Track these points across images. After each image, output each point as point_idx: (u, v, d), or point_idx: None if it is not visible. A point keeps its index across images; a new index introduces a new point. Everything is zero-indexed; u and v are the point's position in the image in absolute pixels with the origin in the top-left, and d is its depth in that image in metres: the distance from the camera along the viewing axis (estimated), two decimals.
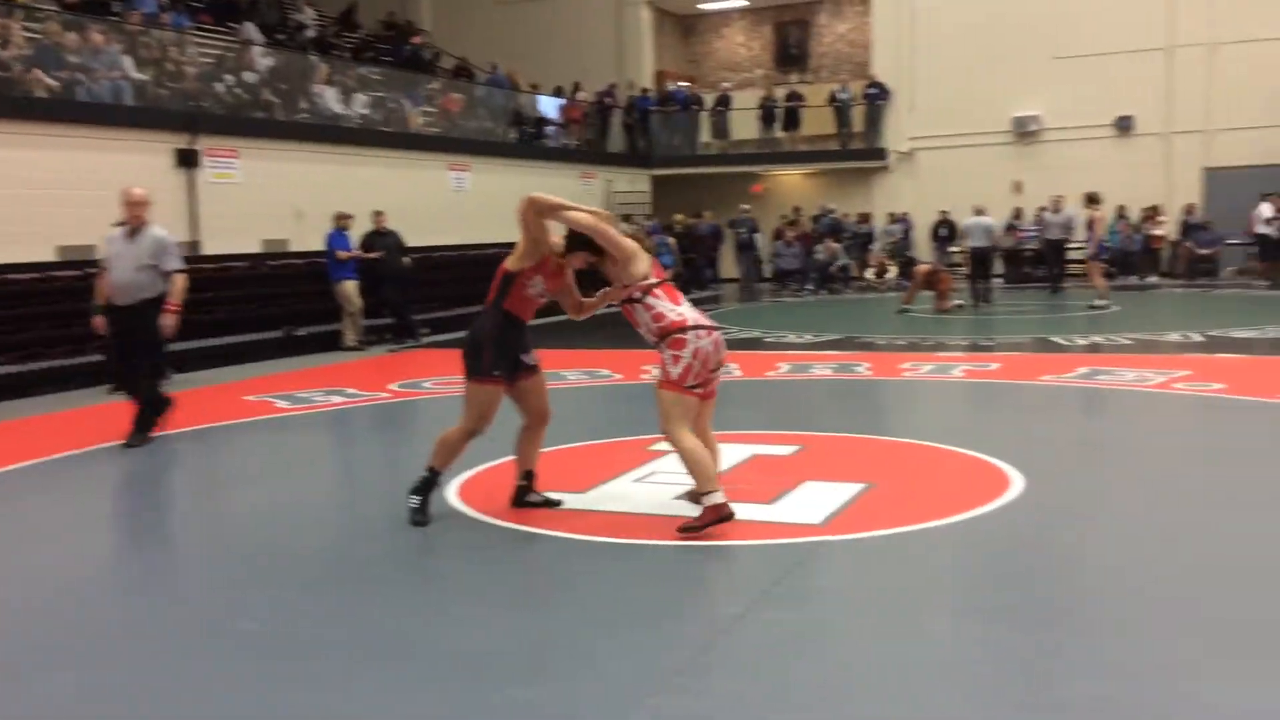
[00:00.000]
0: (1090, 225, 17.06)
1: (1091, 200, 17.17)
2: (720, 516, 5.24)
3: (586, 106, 24.55)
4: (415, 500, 5.69)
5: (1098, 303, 16.51)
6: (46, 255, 12.58)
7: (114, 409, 9.89)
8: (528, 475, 5.93)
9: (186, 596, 4.92)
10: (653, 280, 5.41)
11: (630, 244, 5.46)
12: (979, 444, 7.20)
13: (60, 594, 4.95)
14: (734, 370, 11.13)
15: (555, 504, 5.93)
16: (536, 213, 5.50)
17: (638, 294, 5.38)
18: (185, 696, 3.76)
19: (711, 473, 5.30)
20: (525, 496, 5.93)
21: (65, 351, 11.69)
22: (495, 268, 5.68)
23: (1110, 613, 4.35)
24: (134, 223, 8.06)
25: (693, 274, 23.38)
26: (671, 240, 22.79)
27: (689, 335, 5.28)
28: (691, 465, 5.30)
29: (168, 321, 8.01)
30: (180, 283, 8.10)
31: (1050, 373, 10.33)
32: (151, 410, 8.18)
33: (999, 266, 21.97)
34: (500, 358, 5.57)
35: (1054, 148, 23.78)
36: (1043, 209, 21.19)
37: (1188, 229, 22.37)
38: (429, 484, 5.73)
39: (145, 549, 5.67)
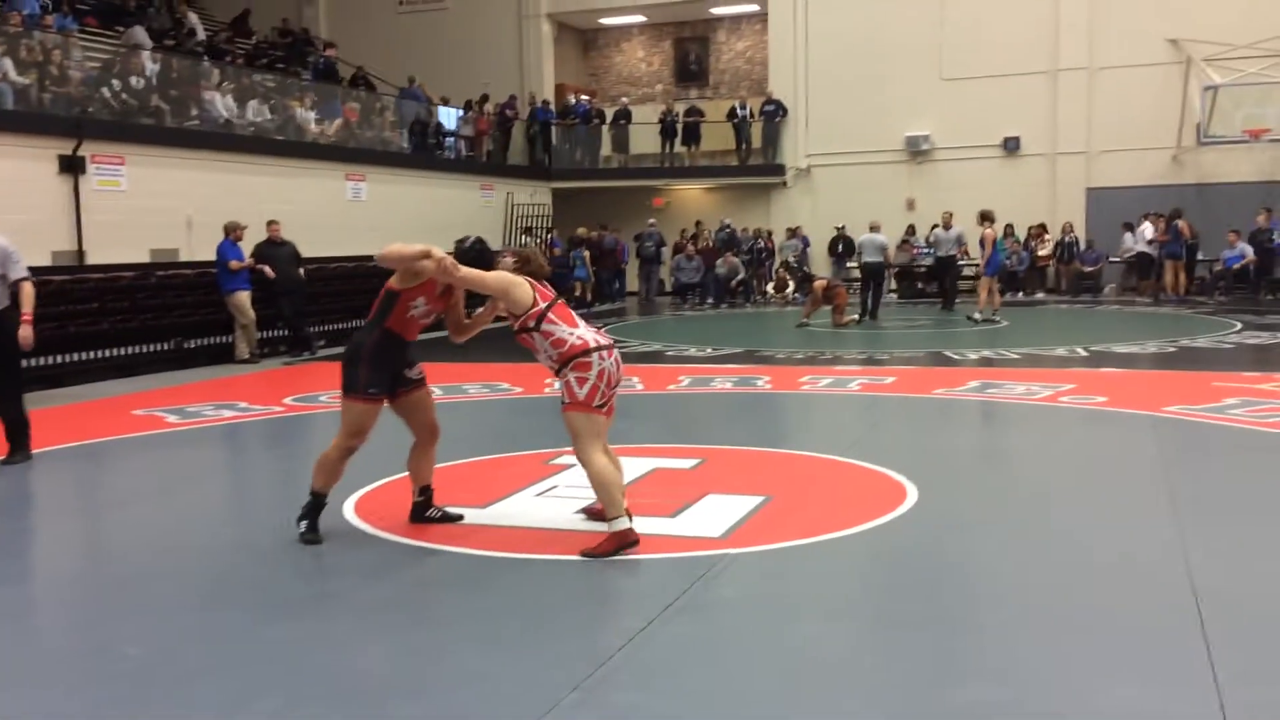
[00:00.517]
0: (983, 242, 17.54)
1: (985, 218, 17.65)
2: (624, 544, 5.20)
3: (493, 119, 24.46)
4: (304, 525, 5.58)
5: (976, 316, 17.04)
6: None
7: None
8: (424, 490, 5.86)
9: (66, 621, 4.73)
10: (542, 306, 5.29)
11: (499, 277, 5.35)
12: (876, 457, 7.33)
13: None
14: (635, 384, 11.17)
15: (455, 519, 5.86)
16: (390, 266, 5.43)
17: (530, 323, 5.28)
18: None
19: (619, 498, 5.24)
20: (424, 512, 5.85)
21: None
22: (392, 278, 5.57)
23: (1001, 618, 4.46)
24: None
25: (598, 287, 23.46)
26: (586, 254, 22.83)
27: (593, 357, 5.23)
28: (600, 488, 5.24)
29: (25, 334, 7.63)
30: (30, 290, 7.71)
31: (944, 386, 10.58)
32: (23, 425, 7.83)
33: (892, 282, 22.54)
34: (377, 375, 5.50)
35: (945, 166, 24.44)
36: (935, 226, 21.69)
37: (1063, 248, 23.17)
38: (315, 508, 5.61)
39: (21, 572, 5.44)
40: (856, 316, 17.70)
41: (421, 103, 22.50)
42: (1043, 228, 23.47)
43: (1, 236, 7.73)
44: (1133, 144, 23.00)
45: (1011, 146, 24.16)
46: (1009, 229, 22.93)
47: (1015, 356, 12.85)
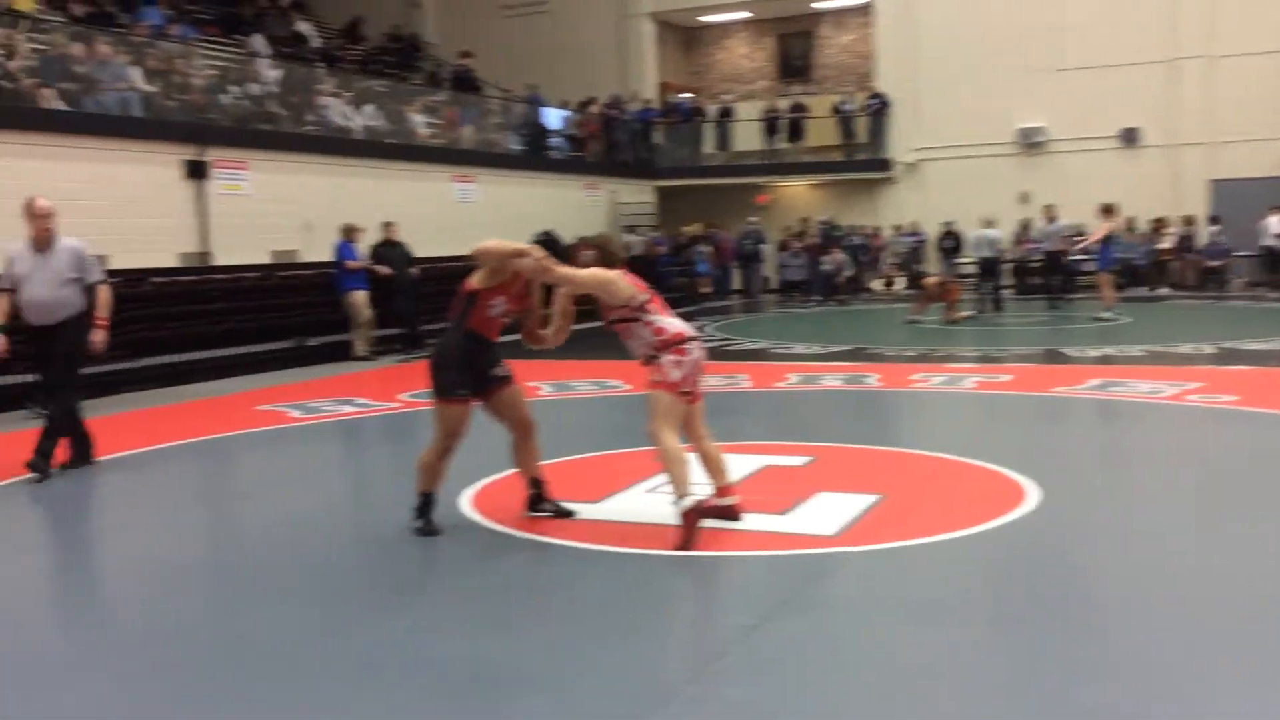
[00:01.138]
0: (1103, 237, 16.96)
1: (1107, 211, 17.06)
2: (698, 518, 5.27)
3: (598, 119, 24.67)
4: (419, 523, 5.71)
5: (1103, 314, 16.50)
6: None
7: (119, 420, 9.91)
8: (535, 483, 5.95)
9: (199, 609, 4.91)
10: (643, 297, 5.45)
11: (593, 274, 5.46)
12: (992, 455, 7.18)
13: (65, 604, 4.95)
14: (742, 381, 11.14)
15: (568, 514, 5.92)
16: (486, 262, 5.53)
17: (631, 314, 5.44)
18: (203, 711, 3.76)
19: (687, 476, 5.32)
20: (539, 504, 5.93)
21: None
22: None
23: (1124, 623, 4.34)
24: (43, 236, 7.47)
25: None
26: (707, 250, 23.20)
27: (689, 345, 5.40)
28: (671, 465, 5.34)
29: (98, 337, 7.48)
30: (106, 295, 7.58)
31: (1063, 384, 10.31)
32: (75, 429, 7.59)
33: (1007, 277, 21.90)
34: (463, 377, 5.59)
35: (1059, 159, 23.77)
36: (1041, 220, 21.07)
37: (1183, 241, 22.34)
38: (425, 507, 5.73)
39: (153, 562, 5.66)
40: (969, 313, 17.35)
41: (543, 107, 22.89)
42: (1162, 221, 22.68)
43: (75, 240, 7.62)
44: (1257, 134, 22.06)
45: (1129, 137, 23.39)
46: (1129, 222, 22.22)
47: (1138, 353, 12.46)
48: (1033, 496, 6.14)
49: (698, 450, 5.58)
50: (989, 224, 19.01)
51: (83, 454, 7.66)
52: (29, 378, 9.55)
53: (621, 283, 5.46)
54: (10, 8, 14.66)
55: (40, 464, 7.21)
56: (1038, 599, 4.66)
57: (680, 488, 5.30)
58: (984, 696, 3.71)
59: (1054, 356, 12.65)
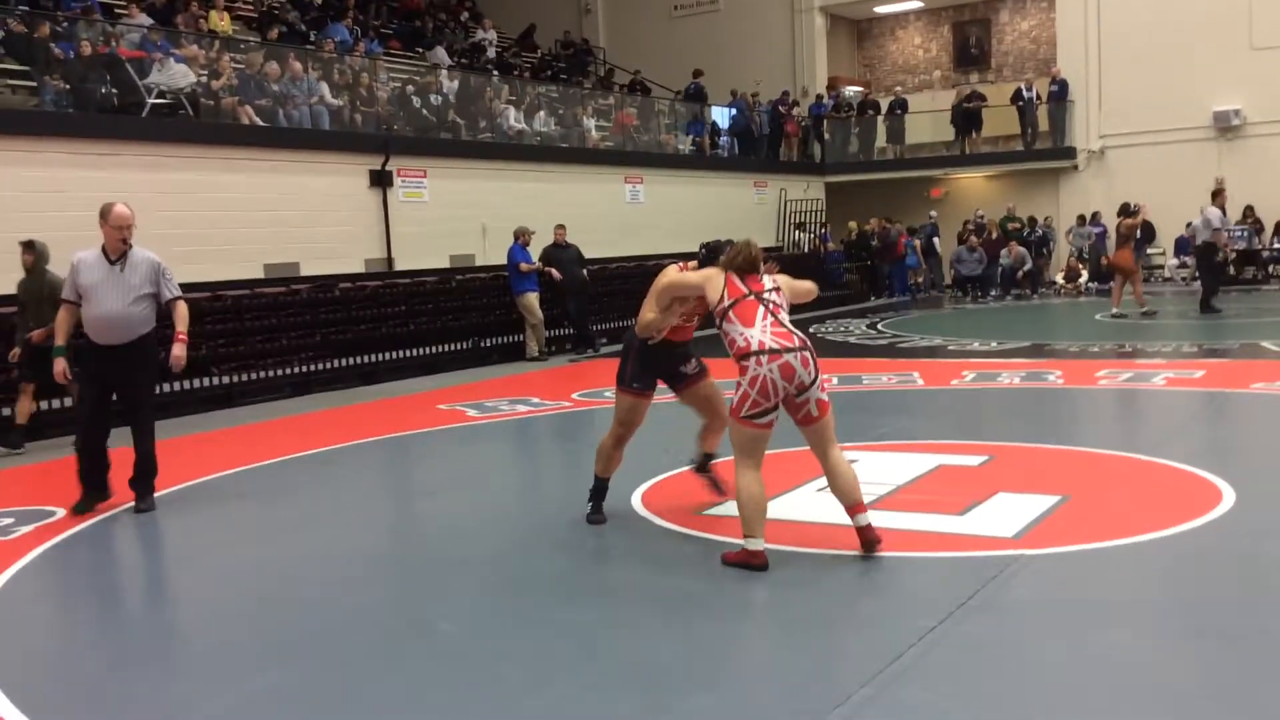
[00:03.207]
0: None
1: None
2: (751, 563, 4.96)
3: (804, 120, 24.69)
4: (590, 506, 6.06)
5: None
6: (255, 273, 13.37)
7: (313, 418, 10.44)
8: (707, 456, 6.17)
9: (385, 598, 5.14)
10: (727, 302, 5.12)
11: (682, 280, 5.40)
12: (1185, 456, 6.84)
13: (270, 591, 5.25)
14: (916, 378, 10.92)
15: (720, 491, 6.10)
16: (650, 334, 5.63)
17: (718, 319, 5.19)
18: (392, 695, 3.94)
19: (756, 520, 4.96)
20: (704, 469, 6.21)
21: (272, 363, 12.38)
22: None
23: None
24: (117, 246, 6.66)
25: (875, 280, 23.20)
26: (917, 243, 23.41)
27: (749, 361, 4.97)
28: (740, 504, 5.01)
29: (178, 353, 6.75)
30: (184, 310, 6.86)
31: (1262, 380, 9.72)
32: (149, 467, 6.83)
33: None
34: (642, 371, 5.81)
35: (1259, 143, 22.33)
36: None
37: None
38: (598, 490, 6.04)
39: (346, 552, 5.95)
40: (1150, 308, 16.33)
41: (742, 110, 23.26)
42: None
43: (151, 252, 6.87)
44: None
45: None
46: None
47: None
48: (1228, 498, 5.82)
49: (824, 468, 5.23)
50: (1213, 202, 16.56)
51: (95, 486, 6.83)
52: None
53: (716, 282, 5.21)
54: (210, 29, 15.64)
55: (145, 504, 6.80)
56: (1230, 606, 4.42)
57: (745, 529, 4.99)
58: (1169, 706, 3.55)
59: (1252, 351, 11.92)
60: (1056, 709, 3.57)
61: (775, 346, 4.97)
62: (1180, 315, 15.61)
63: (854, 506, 5.15)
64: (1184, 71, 22.48)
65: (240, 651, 4.45)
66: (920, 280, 23.88)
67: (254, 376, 12.12)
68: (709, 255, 5.50)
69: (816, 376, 5.06)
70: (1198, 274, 16.08)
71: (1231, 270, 21.27)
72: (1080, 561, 5.03)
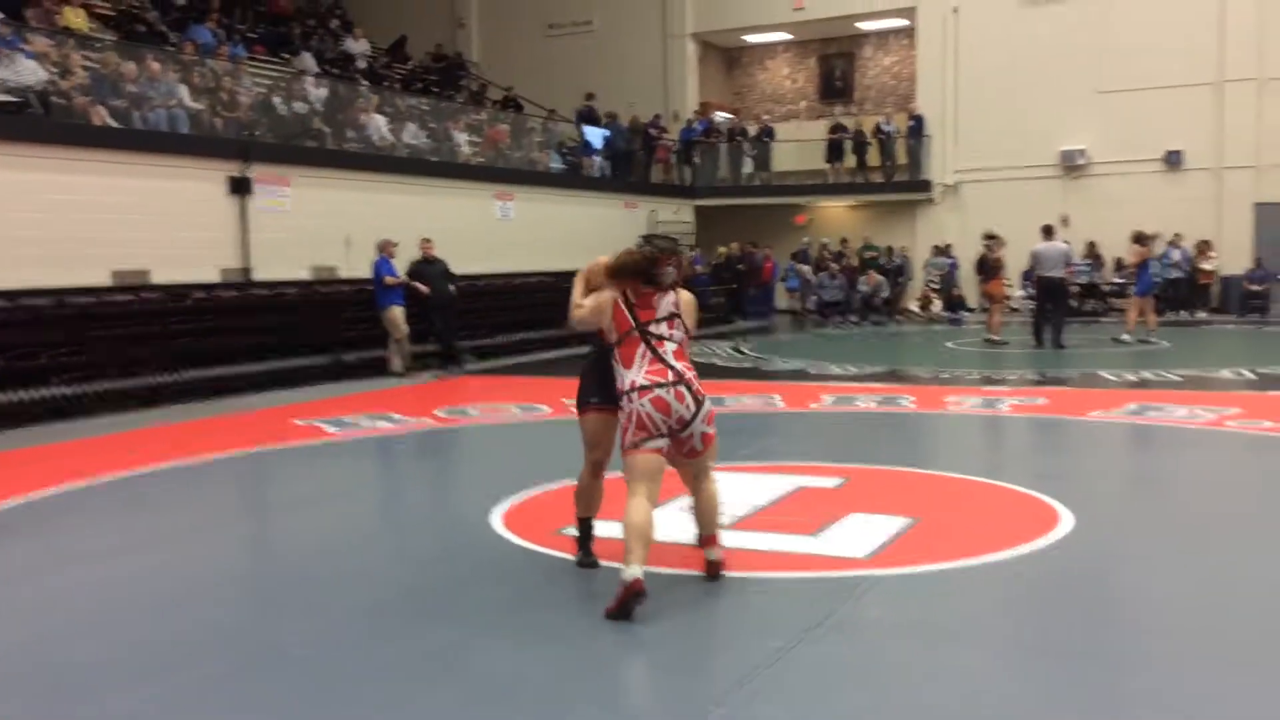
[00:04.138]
0: (1137, 264, 16.87)
1: (1139, 239, 16.96)
2: (629, 594, 4.68)
3: (675, 145, 24.93)
4: (580, 554, 5.55)
5: (1124, 337, 16.41)
6: (102, 279, 12.83)
7: (161, 432, 10.07)
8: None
9: (236, 620, 4.98)
10: (614, 338, 5.04)
11: (586, 305, 5.12)
12: (1027, 480, 7.14)
13: (119, 611, 5.03)
14: (777, 401, 11.14)
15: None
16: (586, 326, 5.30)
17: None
18: (237, 719, 3.81)
19: (635, 547, 4.75)
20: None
21: (119, 374, 11.89)
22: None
23: (1161, 651, 4.29)
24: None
25: (742, 305, 23.56)
26: (800, 267, 23.90)
27: (623, 400, 4.97)
28: (624, 529, 4.85)
29: None
30: None
31: (1100, 408, 10.22)
32: None
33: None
34: (594, 387, 5.39)
35: (1102, 181, 23.57)
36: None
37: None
38: (583, 534, 5.56)
39: (197, 572, 5.74)
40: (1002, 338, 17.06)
41: (622, 132, 23.39)
42: (1207, 244, 22.43)
43: None
44: None
45: (1174, 160, 23.15)
46: (1176, 238, 22.01)
47: (1176, 378, 12.32)
48: (1066, 522, 6.09)
49: (693, 493, 5.26)
50: (1049, 232, 16.68)
51: None
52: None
53: (599, 307, 5.08)
54: (65, 26, 15.00)
55: None
56: (1069, 626, 4.62)
57: (626, 556, 4.76)
58: None
59: (1091, 380, 12.53)
60: None
61: (646, 383, 4.92)
62: (1025, 345, 16.31)
63: (709, 539, 5.21)
64: (1034, 112, 23.59)
65: (77, 678, 4.24)
66: (806, 305, 24.18)
67: (99, 388, 11.60)
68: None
69: (699, 410, 4.98)
70: (1048, 308, 16.30)
71: (1074, 303, 22.35)
72: (928, 582, 5.19)
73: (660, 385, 4.92)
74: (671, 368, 4.97)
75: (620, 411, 5.02)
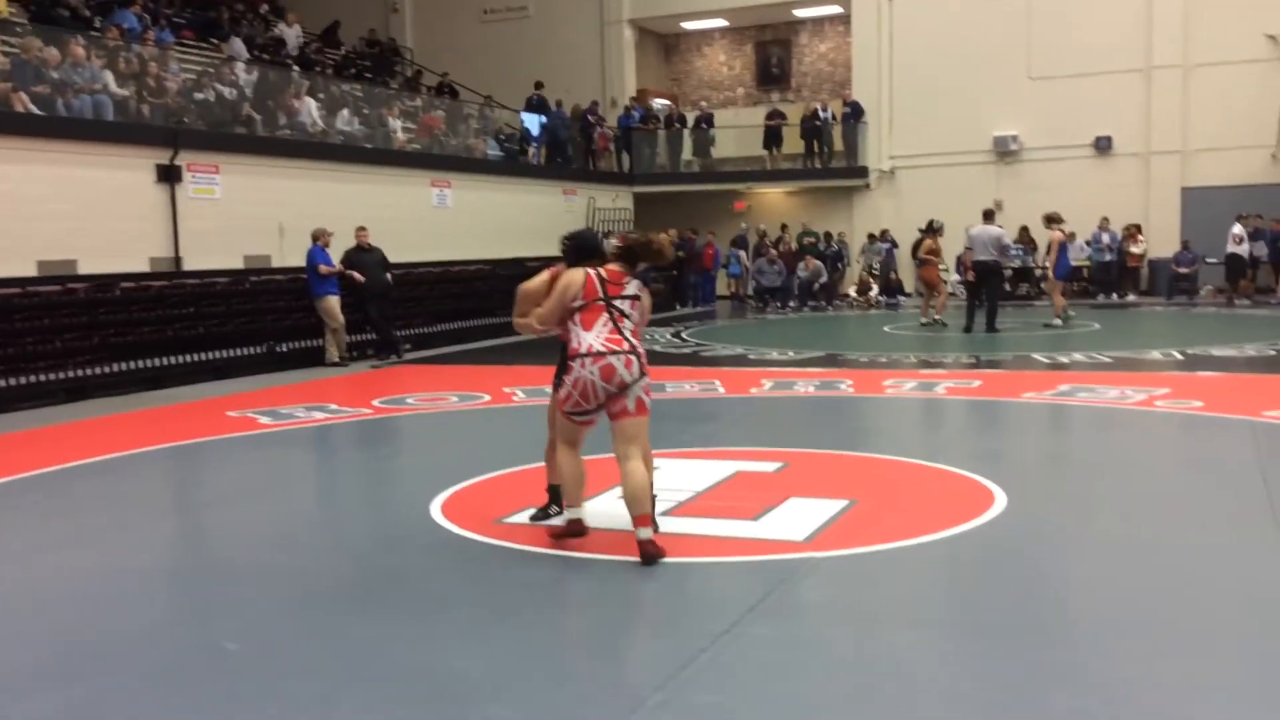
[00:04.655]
0: (1050, 246, 17.18)
1: (1051, 220, 17.28)
2: (573, 533, 5.46)
3: (615, 131, 24.86)
4: (553, 514, 5.85)
5: (1055, 321, 16.69)
6: (28, 270, 12.50)
7: (89, 425, 9.86)
8: None
9: (167, 616, 4.88)
10: (578, 304, 5.33)
11: (569, 287, 5.38)
12: (962, 461, 7.23)
13: (46, 610, 4.91)
14: (717, 386, 11.17)
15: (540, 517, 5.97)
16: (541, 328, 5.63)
17: (567, 316, 5.41)
18: (168, 716, 3.73)
19: (575, 491, 5.46)
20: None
21: (45, 367, 11.60)
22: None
23: (1094, 628, 4.37)
24: None
25: (682, 291, 23.56)
26: (741, 253, 24.27)
27: (575, 363, 5.27)
28: (561, 479, 5.51)
29: None
30: None
31: (1033, 390, 10.39)
32: None
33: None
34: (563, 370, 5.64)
35: (1034, 167, 23.96)
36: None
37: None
38: (552, 499, 5.88)
39: (126, 567, 5.62)
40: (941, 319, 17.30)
41: (564, 120, 23.30)
42: (1136, 228, 22.88)
43: None
44: (1230, 143, 22.32)
45: (1103, 146, 23.60)
46: (1104, 222, 22.43)
47: (1107, 360, 12.56)
48: (1000, 501, 6.18)
49: (621, 471, 5.35)
50: (989, 216, 16.61)
51: None
52: None
53: (574, 285, 5.36)
54: None
55: None
56: (1004, 604, 4.69)
57: (567, 500, 5.50)
58: (951, 701, 3.72)
59: (1024, 363, 12.73)
60: (843, 707, 3.69)
61: (601, 349, 5.24)
62: (959, 328, 16.53)
63: (638, 518, 5.23)
64: (968, 98, 23.89)
65: (5, 677, 4.12)
66: (741, 291, 24.43)
67: (24, 380, 11.31)
68: (576, 248, 5.60)
69: (640, 377, 5.30)
70: (983, 292, 16.29)
71: (1008, 287, 22.69)
72: (866, 563, 5.23)
73: (614, 353, 5.25)
74: (628, 340, 5.33)
75: (568, 373, 5.29)
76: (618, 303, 5.35)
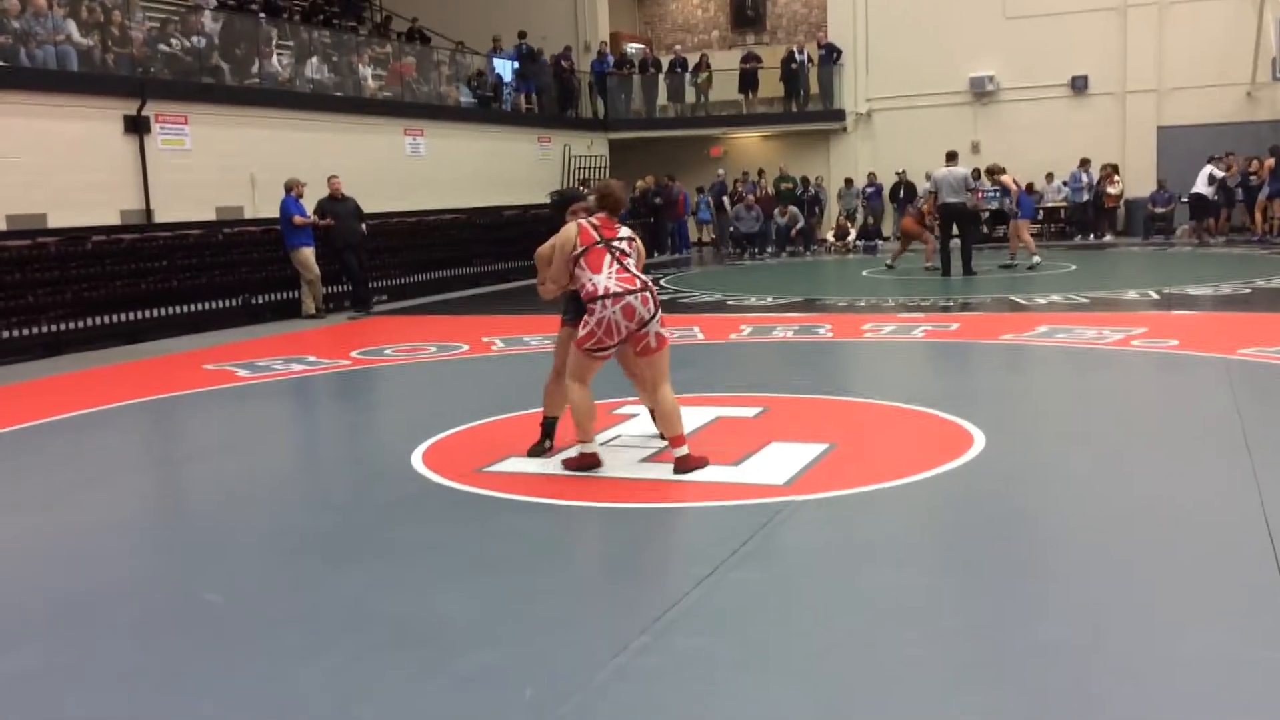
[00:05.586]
0: (1017, 191, 17.32)
1: (992, 172, 17.49)
2: (587, 465, 5.77)
3: (588, 77, 24.65)
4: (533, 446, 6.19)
5: (1035, 260, 16.73)
6: None
7: (65, 380, 9.78)
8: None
9: (150, 570, 4.87)
10: (578, 251, 5.71)
11: (554, 243, 5.83)
12: (940, 403, 7.26)
13: (25, 566, 4.89)
14: (696, 333, 11.17)
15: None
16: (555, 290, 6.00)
17: (572, 267, 5.75)
18: (150, 670, 3.73)
19: (587, 424, 5.77)
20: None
21: (19, 322, 11.47)
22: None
23: (1073, 563, 4.42)
24: None
25: (659, 239, 23.47)
26: (710, 200, 24.32)
27: (596, 305, 5.61)
28: (573, 413, 5.81)
29: None
30: None
31: (1011, 331, 10.43)
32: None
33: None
34: (568, 307, 6.07)
35: (1010, 108, 23.90)
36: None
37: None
38: (546, 430, 6.23)
39: (104, 522, 5.60)
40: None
41: (544, 67, 23.20)
42: (1114, 168, 22.89)
43: None
44: (1205, 81, 22.31)
45: (1079, 85, 23.54)
46: (1084, 163, 22.44)
47: (1085, 300, 12.62)
48: (979, 442, 6.23)
49: (650, 403, 6.02)
50: (953, 158, 16.19)
51: None
52: None
53: (569, 236, 5.75)
54: None
55: None
56: (985, 541, 4.73)
57: (579, 434, 5.81)
58: (936, 639, 3.76)
59: (1002, 304, 12.78)
60: (824, 648, 3.72)
61: (619, 290, 5.59)
62: (936, 271, 16.53)
63: (675, 439, 5.73)
64: (944, 39, 23.74)
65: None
66: (711, 237, 24.44)
67: None
68: (560, 203, 6.05)
69: (656, 313, 5.69)
70: (956, 233, 16.14)
71: (985, 229, 22.70)
72: (846, 505, 5.26)
73: (631, 292, 5.61)
74: (638, 276, 5.71)
75: (589, 313, 5.61)
76: (615, 244, 5.74)
